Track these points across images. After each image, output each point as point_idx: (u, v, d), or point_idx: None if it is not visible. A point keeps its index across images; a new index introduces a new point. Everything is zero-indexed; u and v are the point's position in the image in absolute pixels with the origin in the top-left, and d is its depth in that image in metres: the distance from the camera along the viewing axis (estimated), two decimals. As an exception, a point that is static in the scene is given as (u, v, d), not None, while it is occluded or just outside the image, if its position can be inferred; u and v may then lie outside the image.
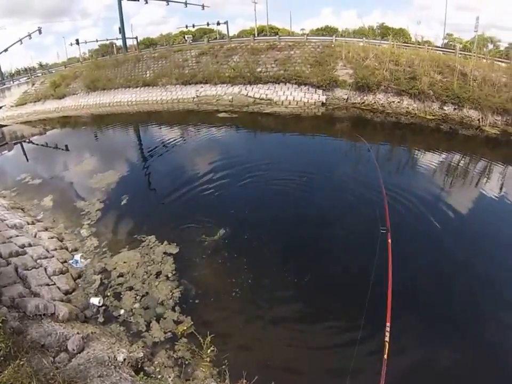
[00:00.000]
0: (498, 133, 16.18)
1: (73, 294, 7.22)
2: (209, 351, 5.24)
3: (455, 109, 17.83)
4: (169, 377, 5.37)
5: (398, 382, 4.84)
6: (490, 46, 27.53)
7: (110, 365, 5.20)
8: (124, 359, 5.41)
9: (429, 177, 12.21)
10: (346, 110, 18.70)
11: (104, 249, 8.61)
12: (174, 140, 15.90)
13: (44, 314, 6.19)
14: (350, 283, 7.15)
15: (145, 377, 5.12)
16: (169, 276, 7.58)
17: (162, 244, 8.64)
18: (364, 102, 19.47)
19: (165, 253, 8.33)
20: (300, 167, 12.54)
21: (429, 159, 13.58)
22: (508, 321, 6.42)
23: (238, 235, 8.92)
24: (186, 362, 5.61)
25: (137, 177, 12.89)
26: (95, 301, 6.97)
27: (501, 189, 11.53)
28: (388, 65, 19.84)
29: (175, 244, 8.59)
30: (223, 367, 5.20)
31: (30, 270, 7.41)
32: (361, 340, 5.18)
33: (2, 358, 4.27)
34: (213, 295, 7.03)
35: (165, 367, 5.62)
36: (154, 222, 9.69)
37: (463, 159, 14.08)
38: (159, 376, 5.39)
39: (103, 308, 6.88)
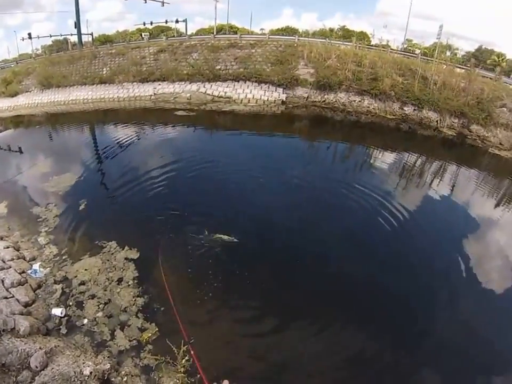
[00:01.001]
0: (455, 134, 17.32)
1: (33, 305, 6.97)
2: (183, 360, 5.18)
3: (414, 109, 18.69)
4: None
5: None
6: (448, 53, 28.57)
7: (76, 380, 5.10)
8: (90, 373, 5.27)
9: (386, 175, 12.70)
10: (306, 108, 18.95)
11: (64, 257, 8.35)
12: (131, 139, 15.53)
13: (4, 330, 5.94)
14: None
15: None
16: (130, 282, 7.50)
17: (123, 249, 8.52)
18: (324, 101, 19.84)
19: (126, 258, 8.23)
20: (251, 164, 12.74)
21: (388, 158, 14.19)
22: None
23: (200, 234, 8.90)
24: (153, 370, 5.57)
25: (95, 179, 12.55)
26: (57, 311, 6.77)
27: (452, 187, 12.28)
28: (350, 66, 20.23)
29: (136, 249, 8.49)
30: (198, 376, 5.07)
31: (-15, 284, 7.14)
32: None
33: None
34: (176, 300, 6.95)
35: (132, 376, 5.56)
36: (114, 226, 9.56)
37: (420, 158, 14.82)
38: None
39: (66, 318, 6.71)
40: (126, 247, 8.56)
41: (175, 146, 14.71)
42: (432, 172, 13.64)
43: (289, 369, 5.96)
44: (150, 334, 6.27)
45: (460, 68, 22.36)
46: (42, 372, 5.19)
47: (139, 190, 11.35)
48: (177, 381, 4.83)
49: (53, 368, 5.26)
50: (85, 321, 6.63)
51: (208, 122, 17.73)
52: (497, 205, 12.19)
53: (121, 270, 7.91)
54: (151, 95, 22.13)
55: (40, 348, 5.58)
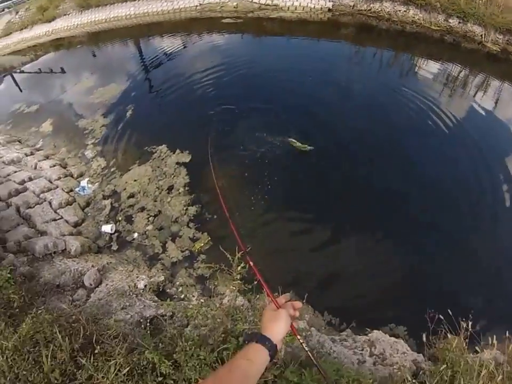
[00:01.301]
0: (499, 50, 15.46)
1: (82, 225, 6.61)
2: (239, 268, 4.59)
3: (459, 22, 16.78)
4: (193, 296, 5.08)
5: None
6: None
7: (131, 294, 4.88)
8: (145, 286, 5.08)
9: (429, 84, 11.71)
10: (352, 16, 17.49)
11: (112, 169, 7.77)
12: (177, 49, 14.50)
13: (55, 252, 5.74)
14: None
15: (169, 300, 4.81)
16: (181, 190, 6.82)
17: (174, 153, 7.76)
18: (370, 9, 18.00)
19: (177, 163, 7.49)
20: (299, 65, 11.75)
21: (432, 67, 13.36)
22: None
23: (252, 135, 7.92)
24: (208, 279, 5.28)
25: (142, 87, 11.62)
26: (107, 228, 6.33)
27: (495, 103, 11.07)
28: None
29: (187, 151, 7.70)
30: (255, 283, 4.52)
31: (33, 207, 6.79)
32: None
33: (17, 310, 3.79)
34: (230, 207, 6.21)
35: (187, 286, 5.27)
36: (164, 129, 8.79)
37: (464, 70, 13.92)
38: (182, 296, 5.10)
39: (116, 234, 6.29)
40: (177, 151, 7.80)
41: (222, 51, 13.53)
42: (476, 85, 12.54)
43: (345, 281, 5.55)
44: (202, 244, 5.77)
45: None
46: (97, 288, 5.02)
47: (188, 90, 10.39)
48: (234, 288, 4.22)
49: (107, 285, 5.07)
50: (135, 235, 6.16)
51: (256, 29, 16.45)
52: None
53: (172, 176, 7.21)
54: (196, 6, 20.29)
55: (92, 266, 5.36)
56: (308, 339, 4.24)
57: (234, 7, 19.19)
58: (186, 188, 6.87)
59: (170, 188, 6.94)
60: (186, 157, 7.60)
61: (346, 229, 6.12)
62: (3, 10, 29.48)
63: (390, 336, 4.79)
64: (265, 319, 1.46)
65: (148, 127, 9.05)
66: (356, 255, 5.74)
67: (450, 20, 16.92)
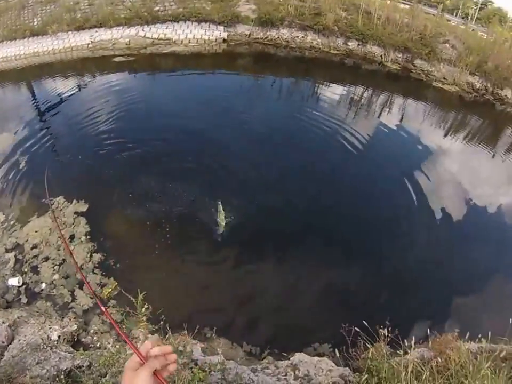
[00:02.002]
0: (399, 68, 17.75)
1: None
2: (143, 309, 5.10)
3: (359, 44, 18.54)
4: (109, 343, 5.32)
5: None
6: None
7: (45, 347, 5.03)
8: (59, 337, 5.27)
9: (332, 108, 13.02)
10: (249, 45, 18.33)
11: (12, 222, 7.90)
12: (69, 92, 14.16)
13: None
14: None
15: (84, 349, 5.01)
16: (83, 238, 7.30)
17: (71, 203, 8.16)
18: (267, 37, 19.08)
19: (75, 212, 7.91)
20: (193, 102, 12.48)
21: (334, 91, 14.65)
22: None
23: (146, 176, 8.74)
24: (120, 323, 5.48)
25: (35, 135, 11.18)
26: (13, 281, 6.57)
27: (399, 119, 13.11)
28: (293, 1, 19.39)
29: (83, 200, 8.18)
30: (161, 323, 5.22)
31: None
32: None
33: None
34: (132, 252, 7.04)
35: (102, 333, 5.58)
36: (59, 181, 8.99)
37: (366, 91, 15.50)
38: (98, 345, 5.35)
39: (24, 286, 6.55)
40: (74, 201, 8.21)
41: (115, 92, 13.74)
42: (380, 104, 14.36)
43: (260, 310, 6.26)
44: (110, 290, 6.25)
45: (403, 3, 22.76)
46: (9, 346, 5.09)
47: (82, 137, 10.77)
48: (143, 330, 4.89)
49: (19, 340, 5.17)
50: (43, 285, 6.51)
51: (149, 66, 16.89)
52: (445, 135, 13.30)
53: (73, 226, 7.65)
54: (88, 44, 19.81)
55: (3, 322, 5.46)
56: (225, 373, 4.35)
57: (126, 44, 19.16)
58: (88, 236, 7.31)
59: (72, 237, 7.31)
60: (83, 206, 8.04)
61: (252, 258, 7.14)
62: None
63: (315, 356, 5.03)
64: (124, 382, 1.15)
65: (43, 178, 9.18)
66: (266, 283, 6.64)
67: (349, 43, 18.42)
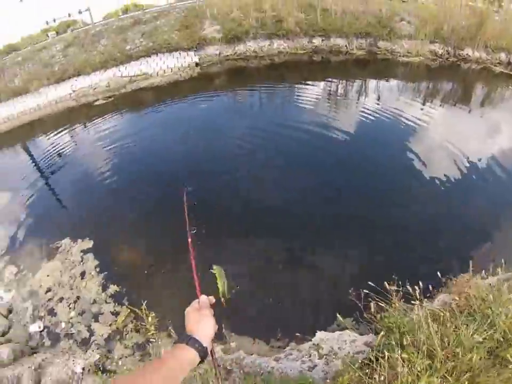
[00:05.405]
0: (365, 53, 18.14)
1: (10, 332, 6.70)
2: (150, 318, 5.33)
3: (323, 40, 18.96)
4: (134, 366, 5.31)
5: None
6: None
7: (71, 382, 5.04)
8: (83, 368, 5.25)
9: (313, 107, 13.03)
10: (221, 64, 18.76)
11: (24, 272, 7.90)
12: (67, 146, 13.93)
13: None
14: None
15: (110, 374, 5.05)
16: (93, 272, 7.30)
17: (76, 243, 8.17)
18: (235, 52, 19.53)
19: (82, 251, 7.92)
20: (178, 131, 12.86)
21: (311, 90, 14.77)
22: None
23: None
24: (143, 344, 5.63)
25: (35, 192, 11.06)
26: (34, 327, 6.55)
27: (377, 100, 13.18)
28: (253, 14, 19.86)
29: (88, 238, 8.21)
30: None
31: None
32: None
33: None
34: (141, 276, 6.95)
35: (126, 357, 5.56)
36: (62, 224, 9.07)
37: (340, 82, 15.80)
38: (125, 368, 5.32)
39: (46, 330, 6.52)
40: (79, 240, 8.22)
41: (105, 137, 13.62)
42: (356, 91, 14.59)
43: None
44: (123, 317, 6.20)
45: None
46: None
47: (84, 187, 10.82)
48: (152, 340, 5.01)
49: (46, 382, 5.18)
50: (63, 325, 6.48)
51: (131, 103, 16.93)
52: (423, 104, 13.32)
53: (81, 263, 7.64)
54: (70, 94, 20.09)
55: (28, 368, 5.45)
56: (244, 366, 4.39)
57: (106, 86, 19.49)
58: (97, 269, 7.34)
59: (82, 274, 7.32)
60: (88, 243, 8.07)
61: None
62: None
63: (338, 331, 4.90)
64: (192, 320, 1.41)
65: (46, 225, 9.33)
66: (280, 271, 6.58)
67: (314, 40, 18.81)
